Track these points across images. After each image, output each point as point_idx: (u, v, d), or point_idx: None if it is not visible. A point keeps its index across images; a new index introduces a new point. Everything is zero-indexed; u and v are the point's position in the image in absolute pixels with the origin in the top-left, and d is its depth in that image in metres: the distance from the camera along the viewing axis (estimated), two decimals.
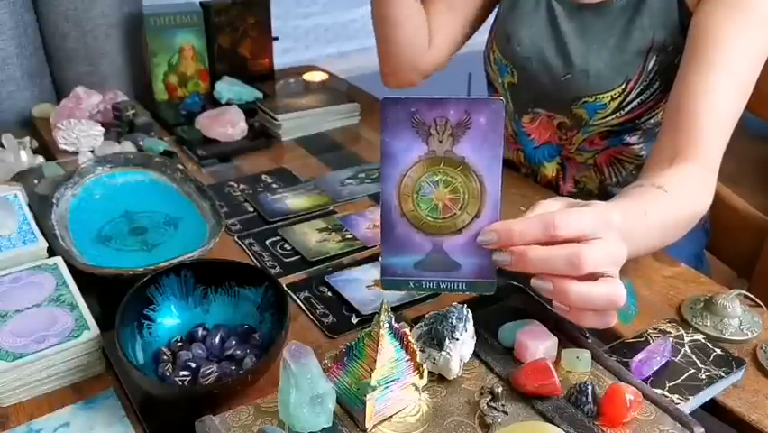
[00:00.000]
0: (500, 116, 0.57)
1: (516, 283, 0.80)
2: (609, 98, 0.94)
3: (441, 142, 0.58)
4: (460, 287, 0.60)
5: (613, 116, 0.95)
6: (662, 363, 0.66)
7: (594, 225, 0.58)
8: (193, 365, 0.65)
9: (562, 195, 1.06)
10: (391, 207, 0.59)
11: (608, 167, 1.02)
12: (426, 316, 0.64)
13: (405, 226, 0.59)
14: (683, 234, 0.79)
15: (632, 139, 0.99)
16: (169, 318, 0.71)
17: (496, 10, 1.09)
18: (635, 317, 0.58)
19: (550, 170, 1.07)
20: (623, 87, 0.93)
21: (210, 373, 0.64)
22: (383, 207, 0.59)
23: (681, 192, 0.76)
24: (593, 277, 0.57)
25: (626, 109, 0.94)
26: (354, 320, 0.75)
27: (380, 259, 0.60)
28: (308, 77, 1.39)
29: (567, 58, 0.96)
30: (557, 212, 0.58)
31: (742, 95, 0.82)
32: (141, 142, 1.11)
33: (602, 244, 0.57)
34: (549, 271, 0.57)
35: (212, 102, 1.31)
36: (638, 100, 0.94)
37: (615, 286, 0.57)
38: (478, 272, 0.60)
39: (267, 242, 0.89)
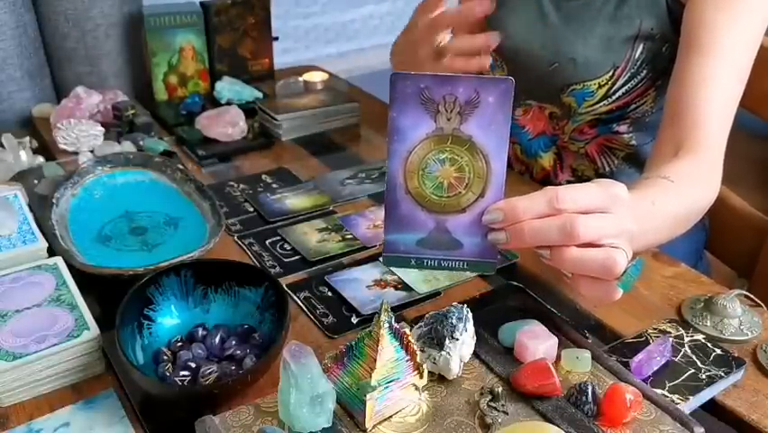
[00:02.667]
0: (509, 96, 0.56)
1: (516, 283, 0.80)
2: (597, 86, 0.95)
3: (449, 120, 0.57)
4: (461, 266, 0.60)
5: (600, 104, 0.96)
6: (662, 363, 0.66)
7: (599, 199, 0.57)
8: (193, 365, 0.65)
9: (561, 185, 1.07)
10: (396, 184, 0.59)
11: (599, 156, 1.03)
12: (426, 316, 0.64)
13: (409, 204, 0.59)
14: (692, 224, 0.79)
15: (621, 128, 1.00)
16: (169, 318, 0.71)
17: None
18: (635, 282, 0.57)
19: (547, 160, 1.07)
20: (610, 74, 0.94)
21: (210, 373, 0.64)
22: (388, 184, 0.59)
23: (688, 182, 0.76)
24: (595, 246, 0.56)
25: (614, 97, 0.95)
26: (354, 320, 0.75)
27: (383, 235, 0.60)
28: (308, 77, 1.39)
29: (554, 47, 0.97)
30: (561, 187, 0.57)
31: (739, 81, 0.83)
32: (141, 142, 1.11)
33: (602, 214, 0.57)
34: (545, 243, 0.57)
35: (212, 102, 1.31)
36: (626, 88, 0.95)
37: (611, 252, 0.56)
38: (480, 252, 0.60)
39: (267, 242, 0.89)
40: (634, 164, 1.03)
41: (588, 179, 1.05)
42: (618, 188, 0.59)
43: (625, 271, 0.56)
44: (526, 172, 1.11)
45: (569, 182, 1.07)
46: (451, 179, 0.58)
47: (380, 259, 0.61)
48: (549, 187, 0.58)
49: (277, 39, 1.45)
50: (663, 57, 0.92)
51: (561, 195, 0.56)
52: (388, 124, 0.58)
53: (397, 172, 0.59)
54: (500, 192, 0.58)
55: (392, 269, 0.82)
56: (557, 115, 1.02)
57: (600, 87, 0.95)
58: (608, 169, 1.04)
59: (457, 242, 0.60)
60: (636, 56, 0.92)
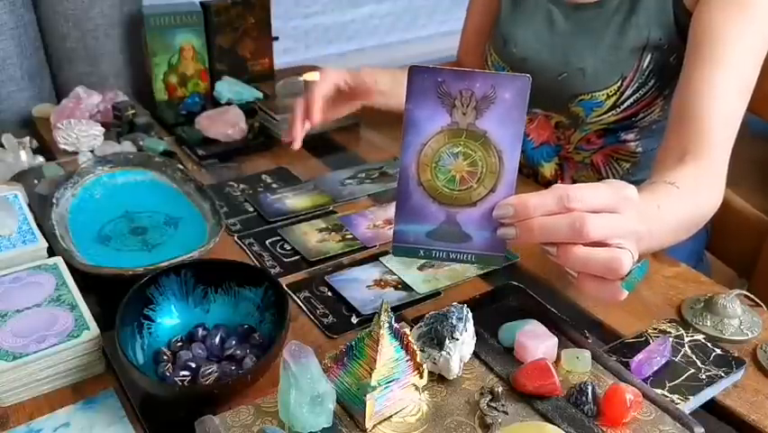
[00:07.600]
0: (525, 93, 0.57)
1: (516, 283, 0.80)
2: (605, 96, 0.94)
3: (464, 114, 0.58)
4: (469, 258, 0.61)
5: (609, 114, 0.96)
6: (662, 363, 0.66)
7: (609, 199, 0.58)
8: (193, 365, 0.65)
9: None
10: (409, 176, 0.59)
11: (604, 165, 1.03)
12: (426, 316, 0.64)
13: (420, 195, 0.60)
14: (695, 230, 0.79)
15: (628, 136, 1.00)
16: (169, 318, 0.71)
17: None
18: (638, 283, 0.57)
19: (548, 170, 1.07)
20: (618, 84, 0.93)
21: (210, 373, 0.64)
22: (401, 175, 0.59)
23: (692, 188, 0.76)
24: (602, 246, 0.57)
25: (622, 107, 0.95)
26: (354, 320, 0.75)
27: (393, 225, 0.61)
28: (308, 77, 1.39)
29: (563, 57, 0.97)
30: (572, 186, 0.58)
31: (745, 90, 0.83)
32: (141, 142, 1.11)
33: (611, 214, 0.57)
34: (554, 240, 0.57)
35: (212, 102, 1.31)
36: (634, 98, 0.94)
37: (616, 252, 0.56)
38: (488, 246, 0.60)
39: (267, 242, 0.89)
40: (638, 172, 1.03)
41: None
42: (629, 190, 0.59)
43: (629, 273, 0.57)
44: (532, 176, 1.11)
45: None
46: (463, 172, 0.59)
47: (389, 249, 0.61)
48: (560, 185, 0.58)
49: (277, 39, 1.45)
50: (671, 67, 0.92)
51: (572, 193, 0.56)
52: (403, 115, 0.58)
53: (411, 164, 0.59)
54: (512, 188, 0.59)
55: (392, 268, 0.82)
56: (564, 124, 1.02)
57: (609, 97, 0.94)
58: (612, 179, 1.03)
59: (466, 235, 0.60)
60: (644, 66, 0.92)
